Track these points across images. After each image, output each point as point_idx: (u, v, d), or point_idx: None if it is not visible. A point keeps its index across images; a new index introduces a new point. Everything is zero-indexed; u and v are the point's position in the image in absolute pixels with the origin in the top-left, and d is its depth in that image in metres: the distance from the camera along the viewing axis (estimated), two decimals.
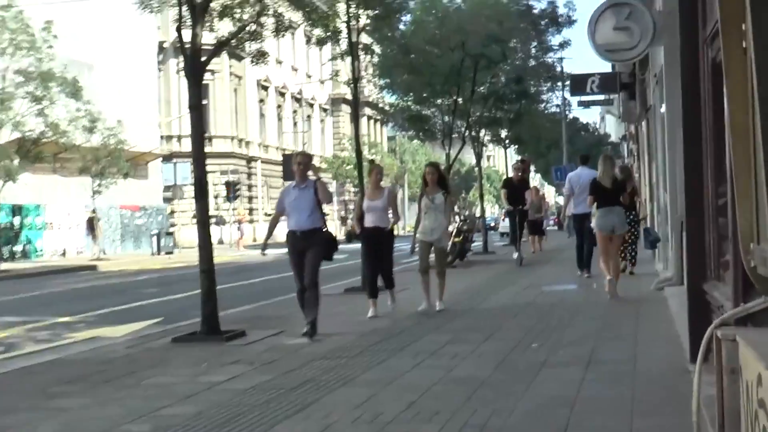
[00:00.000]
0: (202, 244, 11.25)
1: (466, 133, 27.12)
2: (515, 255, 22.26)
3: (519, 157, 49.44)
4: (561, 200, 47.07)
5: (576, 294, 14.92)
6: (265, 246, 11.45)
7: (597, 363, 8.07)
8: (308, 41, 18.74)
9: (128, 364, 9.24)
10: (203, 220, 11.27)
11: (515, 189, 22.09)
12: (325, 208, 11.19)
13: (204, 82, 59.71)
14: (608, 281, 13.90)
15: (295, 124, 72.77)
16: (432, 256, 13.11)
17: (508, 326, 11.02)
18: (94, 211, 41.35)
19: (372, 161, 13.29)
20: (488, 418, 6.10)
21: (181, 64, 11.65)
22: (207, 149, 48.47)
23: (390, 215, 12.98)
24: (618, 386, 6.98)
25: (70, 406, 7.13)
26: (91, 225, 41.19)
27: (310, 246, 10.63)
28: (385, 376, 7.90)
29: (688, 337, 7.50)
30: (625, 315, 11.62)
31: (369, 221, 12.53)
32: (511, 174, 25.12)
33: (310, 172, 11.01)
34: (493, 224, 69.43)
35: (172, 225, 51.83)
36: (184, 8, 11.14)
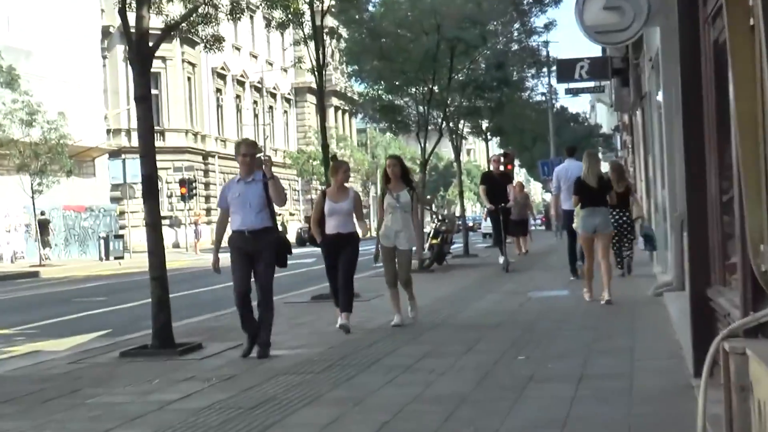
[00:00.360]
0: (153, 249, 11.13)
1: (443, 125, 27.09)
2: (501, 259, 21.85)
3: (501, 151, 49.85)
4: (548, 197, 47.35)
5: (566, 301, 14.90)
6: (216, 259, 10.65)
7: (589, 378, 8.00)
8: (268, 25, 18.51)
9: (71, 381, 9.11)
10: (153, 222, 11.14)
11: (496, 184, 21.63)
12: (279, 209, 11.02)
13: (154, 70, 59.44)
14: (587, 288, 14.67)
15: (255, 116, 72.66)
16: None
17: (491, 337, 10.95)
18: (43, 213, 41.07)
19: (335, 157, 13.05)
20: None
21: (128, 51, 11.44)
22: (159, 144, 48.26)
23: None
24: (613, 404, 6.92)
25: (5, 429, 6.99)
26: (43, 228, 40.86)
27: (261, 250, 10.16)
28: (354, 393, 7.81)
29: (690, 350, 7.44)
30: (621, 324, 11.58)
31: (331, 227, 11.99)
32: (491, 168, 24.77)
33: (262, 159, 10.46)
34: (471, 224, 69.63)
35: (122, 227, 51.57)
36: None
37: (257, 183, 10.28)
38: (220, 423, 6.89)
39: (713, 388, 4.78)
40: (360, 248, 12.22)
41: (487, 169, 27.56)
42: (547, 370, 8.55)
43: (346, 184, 12.31)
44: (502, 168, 22.60)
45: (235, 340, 11.48)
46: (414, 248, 12.69)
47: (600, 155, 71.46)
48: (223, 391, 8.19)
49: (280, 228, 11.09)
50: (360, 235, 12.34)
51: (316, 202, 12.52)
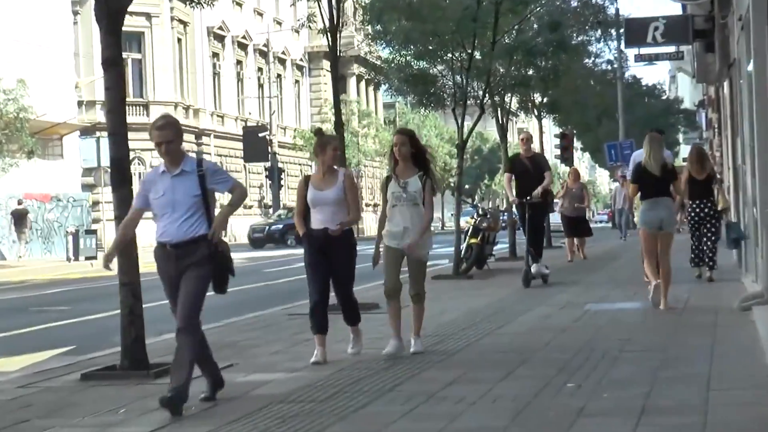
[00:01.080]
0: (123, 249, 11.08)
1: (486, 99, 26.96)
2: (534, 269, 19.80)
3: (560, 131, 49.78)
4: (615, 187, 47.15)
5: (632, 315, 14.82)
6: (108, 259, 9.68)
7: (654, 412, 7.93)
8: None
9: (18, 410, 9.10)
10: (123, 215, 11.09)
11: (525, 172, 20.21)
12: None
13: (136, 29, 60.04)
14: (654, 287, 15.02)
15: (260, 86, 72.90)
16: (405, 270, 11.67)
17: (536, 360, 10.91)
18: (20, 202, 41.32)
19: (320, 131, 11.96)
20: None
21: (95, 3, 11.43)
22: (141, 120, 49.00)
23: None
24: None
25: None
26: (20, 220, 41.09)
27: (188, 267, 9.00)
28: (364, 427, 7.79)
29: None
30: (697, 345, 11.49)
31: (316, 221, 11.25)
32: (520, 151, 21.49)
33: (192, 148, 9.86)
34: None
35: (96, 221, 51.79)
36: None
37: (190, 177, 9.04)
38: None
39: None
40: (357, 249, 11.55)
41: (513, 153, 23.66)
42: (602, 401, 8.48)
43: (336, 167, 11.48)
44: (529, 149, 20.68)
45: (221, 360, 11.44)
46: (427, 252, 11.99)
47: (680, 137, 71.57)
48: (204, 424, 8.18)
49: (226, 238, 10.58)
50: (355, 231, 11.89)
51: (298, 191, 11.60)
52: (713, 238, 19.19)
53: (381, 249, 11.72)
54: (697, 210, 18.88)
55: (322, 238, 11.21)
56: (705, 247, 19.23)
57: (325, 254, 11.25)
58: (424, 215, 11.58)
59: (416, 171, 11.54)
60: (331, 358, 11.39)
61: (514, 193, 20.42)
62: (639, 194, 15.32)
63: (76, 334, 16.13)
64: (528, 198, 19.59)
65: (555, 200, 28.36)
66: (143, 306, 11.17)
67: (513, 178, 20.65)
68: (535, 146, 24.91)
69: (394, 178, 11.57)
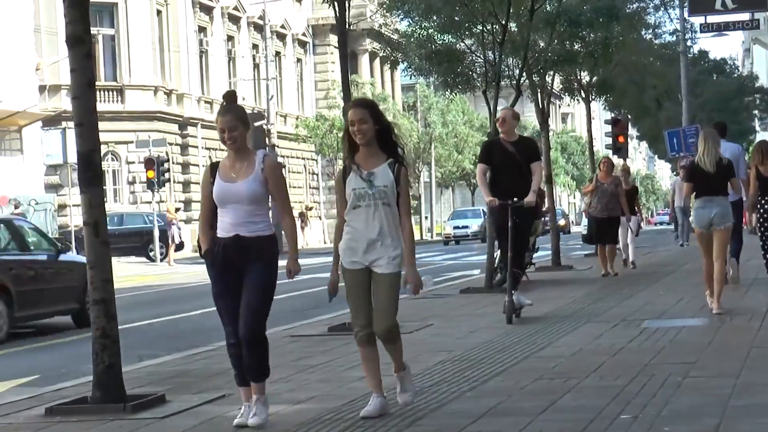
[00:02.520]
0: (94, 260, 11.14)
1: (523, 79, 26.96)
2: (512, 298, 16.82)
3: (612, 116, 49.71)
4: (674, 181, 47.11)
5: (698, 334, 14.81)
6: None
7: None
8: None
9: None
10: (94, 221, 11.15)
11: (507, 163, 16.97)
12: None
13: (108, 0, 59.88)
14: (708, 296, 17.01)
15: (256, 66, 73.00)
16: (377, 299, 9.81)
17: (584, 387, 10.92)
18: (17, 206, 41.52)
19: (229, 94, 10.25)
20: None
21: None
22: (116, 107, 49.39)
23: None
24: None
25: None
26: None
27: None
28: None
29: None
30: None
31: (224, 226, 9.73)
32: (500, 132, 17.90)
33: None
34: (563, 222, 69.41)
35: (63, 227, 51.89)
36: None
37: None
38: None
39: None
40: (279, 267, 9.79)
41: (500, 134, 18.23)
42: None
43: (256, 149, 10.08)
44: (505, 128, 17.18)
45: (211, 391, 11.50)
46: (402, 271, 9.87)
47: (756, 123, 71.33)
48: None
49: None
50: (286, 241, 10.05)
51: (202, 184, 10.15)
52: None
53: (340, 272, 9.93)
54: (767, 207, 19.07)
55: (232, 249, 9.66)
56: None
57: (239, 272, 9.68)
58: (403, 224, 9.86)
59: (384, 157, 9.79)
60: (337, 389, 11.42)
61: (486, 192, 16.92)
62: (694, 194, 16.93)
63: (40, 362, 16.17)
64: (512, 200, 16.47)
65: (583, 198, 29.04)
66: (119, 327, 11.21)
67: (488, 170, 17.18)
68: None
69: (355, 170, 9.74)
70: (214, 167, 9.88)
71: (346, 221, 9.87)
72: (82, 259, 14.76)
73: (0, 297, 19.59)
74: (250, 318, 9.63)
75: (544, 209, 31.41)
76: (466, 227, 72.84)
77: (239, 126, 9.61)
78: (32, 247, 22.06)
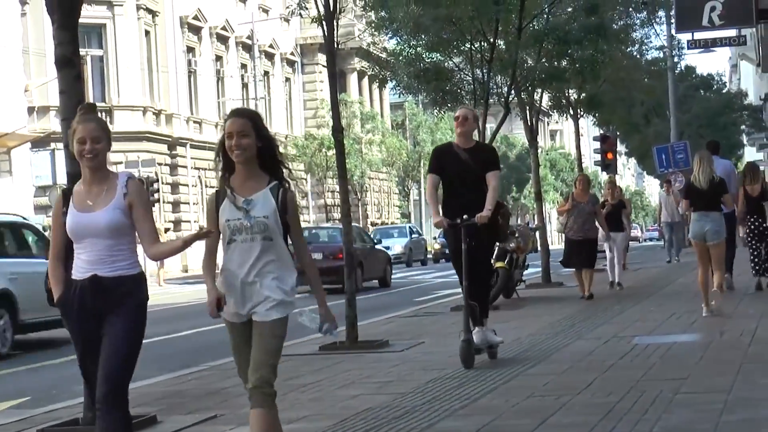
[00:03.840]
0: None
1: (512, 96, 27.01)
2: (478, 336, 14.16)
3: (600, 132, 49.77)
4: (661, 195, 47.20)
5: (689, 350, 14.79)
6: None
7: None
8: None
9: None
10: None
11: (460, 173, 14.23)
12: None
13: (97, 20, 60.21)
14: (703, 303, 18.40)
15: (244, 86, 73.05)
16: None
17: (576, 404, 10.89)
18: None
19: (87, 106, 8.19)
20: None
21: None
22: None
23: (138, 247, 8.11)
24: None
25: None
26: None
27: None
28: None
29: None
30: (767, 385, 11.45)
31: (81, 264, 7.86)
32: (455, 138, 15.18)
33: None
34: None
35: None
36: None
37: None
38: None
39: None
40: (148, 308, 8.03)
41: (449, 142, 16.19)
42: None
43: (113, 168, 8.34)
44: (463, 130, 14.43)
45: (204, 411, 11.50)
46: (284, 313, 7.85)
47: (744, 138, 71.45)
48: None
49: None
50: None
51: (53, 215, 8.18)
52: (759, 250, 22.62)
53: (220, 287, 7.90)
54: (756, 224, 22.38)
55: (89, 293, 7.77)
56: (765, 256, 22.64)
57: (99, 320, 7.79)
58: (300, 259, 8.11)
59: (266, 180, 7.89)
60: (330, 407, 11.40)
61: (440, 208, 14.19)
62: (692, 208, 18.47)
63: (31, 383, 16.14)
64: (463, 218, 13.76)
65: (558, 217, 26.69)
66: None
67: (440, 182, 14.39)
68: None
69: (229, 196, 7.85)
70: (66, 194, 7.95)
71: (224, 261, 7.90)
72: None
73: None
74: (111, 376, 7.62)
75: (533, 226, 31.18)
76: None
77: (103, 139, 7.77)
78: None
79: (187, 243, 7.69)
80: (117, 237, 7.70)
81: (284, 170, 7.98)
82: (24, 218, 27.96)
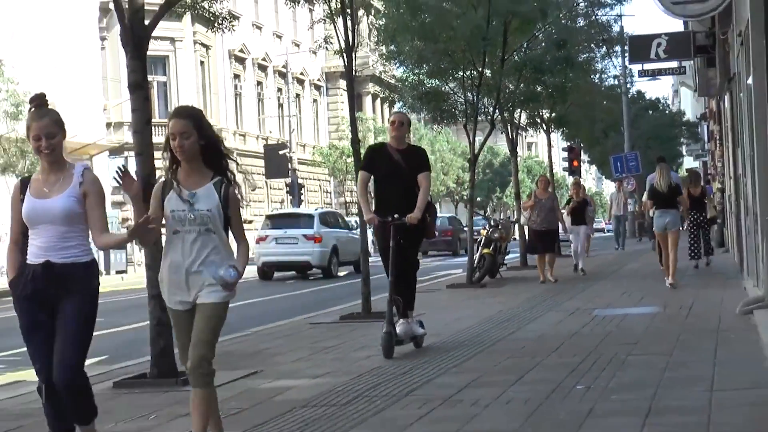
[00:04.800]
0: (151, 263, 11.13)
1: (496, 115, 26.99)
2: (402, 327, 12.29)
3: (567, 144, 49.64)
4: (611, 193, 47.21)
5: (639, 320, 14.76)
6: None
7: (660, 412, 7.91)
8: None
9: None
10: None
11: (392, 173, 12.41)
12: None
13: (161, 53, 60.12)
14: (666, 276, 20.00)
15: (280, 105, 72.90)
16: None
17: (547, 364, 10.87)
18: None
19: (37, 97, 6.84)
20: None
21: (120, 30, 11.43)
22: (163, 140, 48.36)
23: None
24: None
25: None
26: None
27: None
28: (382, 431, 7.78)
29: None
30: (701, 348, 11.44)
31: (34, 250, 6.98)
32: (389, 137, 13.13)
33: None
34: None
35: None
36: None
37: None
38: None
39: None
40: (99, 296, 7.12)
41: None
42: (610, 402, 8.47)
43: (70, 159, 7.30)
44: (397, 133, 12.59)
45: (247, 368, 11.50)
46: (227, 297, 6.95)
47: (683, 149, 71.17)
48: (230, 428, 8.16)
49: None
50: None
51: (11, 203, 7.11)
52: (707, 236, 26.00)
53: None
54: (696, 216, 25.06)
55: (42, 278, 6.88)
56: (702, 242, 25.48)
57: (51, 305, 6.91)
58: (239, 253, 7.04)
59: (209, 176, 6.98)
60: (348, 366, 11.38)
61: (372, 206, 12.58)
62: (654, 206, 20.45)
63: (108, 345, 16.15)
64: (394, 217, 12.04)
65: (524, 212, 25.78)
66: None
67: (372, 180, 12.62)
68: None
69: (175, 188, 6.92)
70: (24, 183, 7.09)
71: (165, 252, 6.98)
72: None
73: None
74: (66, 357, 6.75)
75: (513, 220, 31.02)
76: None
77: (58, 133, 6.90)
78: None
79: (133, 234, 6.83)
80: (70, 224, 6.81)
81: (229, 166, 7.06)
82: None
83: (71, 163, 7.00)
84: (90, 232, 6.95)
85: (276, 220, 35.97)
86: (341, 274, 33.87)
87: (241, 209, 7.08)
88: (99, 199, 6.92)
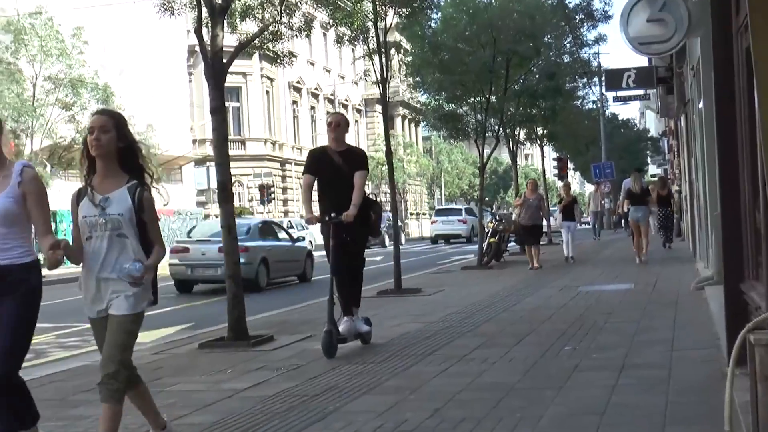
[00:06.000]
0: (228, 249, 11.18)
1: (501, 132, 26.93)
2: (345, 325, 10.11)
3: (556, 155, 49.46)
4: (590, 193, 47.08)
5: (614, 295, 14.68)
6: None
7: (631, 368, 7.87)
8: (338, 41, 18.48)
9: (153, 370, 9.11)
10: (228, 224, 11.19)
11: (334, 173, 10.23)
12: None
13: (235, 84, 60.04)
14: (637, 256, 21.66)
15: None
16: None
17: (541, 330, 10.83)
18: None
19: None
20: (515, 426, 5.93)
21: (204, 67, 11.44)
22: (240, 153, 49.15)
23: None
24: (652, 393, 6.78)
25: (88, 415, 7.04)
26: None
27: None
28: (410, 382, 7.75)
29: (725, 341, 7.27)
30: (663, 317, 11.37)
31: None
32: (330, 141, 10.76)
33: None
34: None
35: None
36: (204, 10, 11.09)
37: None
38: (284, 410, 6.87)
39: (745, 378, 4.67)
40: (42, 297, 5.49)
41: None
42: (591, 360, 8.42)
43: (11, 159, 5.63)
44: (336, 134, 10.45)
45: (303, 333, 11.51)
46: (137, 309, 5.48)
47: (648, 159, 70.56)
48: (290, 380, 8.19)
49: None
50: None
51: None
52: (672, 228, 27.97)
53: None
54: (663, 213, 26.81)
55: None
56: (668, 233, 27.36)
57: None
58: (152, 253, 5.51)
59: (124, 179, 5.55)
60: (383, 331, 11.32)
61: (313, 207, 10.38)
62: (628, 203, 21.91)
63: (195, 314, 16.24)
64: (330, 216, 9.98)
65: (514, 210, 24.65)
66: (243, 293, 11.25)
67: (315, 182, 10.37)
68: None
69: (89, 193, 5.51)
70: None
71: (84, 257, 5.48)
72: None
73: None
74: (2, 361, 5.21)
75: (514, 217, 30.84)
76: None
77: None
78: None
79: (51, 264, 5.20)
80: (9, 225, 5.30)
81: (147, 172, 5.61)
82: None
83: (11, 161, 5.50)
84: (35, 231, 5.46)
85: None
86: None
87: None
88: (39, 198, 5.40)
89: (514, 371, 8.00)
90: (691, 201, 23.41)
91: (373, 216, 10.28)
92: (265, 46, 12.83)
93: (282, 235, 24.56)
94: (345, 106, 76.22)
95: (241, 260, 12.28)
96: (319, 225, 10.17)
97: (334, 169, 10.17)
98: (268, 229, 23.77)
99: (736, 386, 4.57)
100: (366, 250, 10.42)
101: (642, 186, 22.20)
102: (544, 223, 25.05)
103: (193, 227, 28.74)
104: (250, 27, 13.66)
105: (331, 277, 9.95)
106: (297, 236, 26.18)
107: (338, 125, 10.34)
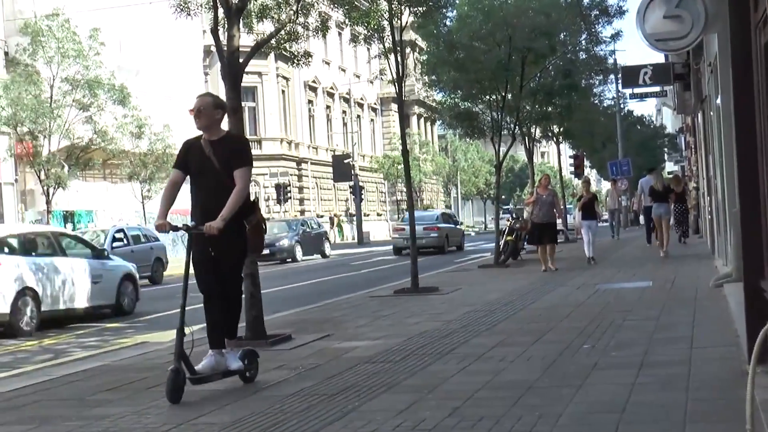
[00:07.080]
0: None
1: (516, 130, 26.88)
2: (211, 360, 8.07)
3: (573, 153, 49.36)
4: (607, 190, 46.97)
5: (632, 293, 14.63)
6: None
7: (650, 366, 7.83)
8: (354, 40, 18.44)
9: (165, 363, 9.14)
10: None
11: (205, 169, 7.96)
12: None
13: (251, 84, 60.30)
14: (660, 249, 22.91)
15: (344, 124, 72.91)
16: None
17: (559, 327, 10.80)
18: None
19: None
20: (533, 424, 5.91)
21: (221, 67, 11.45)
22: (256, 152, 49.07)
23: None
24: (671, 390, 6.74)
25: (108, 414, 7.06)
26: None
27: None
28: (428, 381, 7.73)
29: (745, 338, 7.23)
30: (682, 314, 11.33)
31: None
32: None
33: None
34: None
35: None
36: (220, 10, 11.11)
37: None
38: (304, 409, 6.87)
39: (766, 376, 4.64)
40: None
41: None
42: (610, 358, 8.38)
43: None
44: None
45: (321, 332, 11.52)
46: None
47: (665, 156, 70.42)
48: (309, 379, 8.19)
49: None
50: None
51: None
52: (687, 224, 29.46)
53: None
54: (680, 208, 27.73)
55: None
56: (684, 228, 28.91)
57: None
58: None
59: None
60: (401, 330, 11.32)
61: (164, 210, 8.02)
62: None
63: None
64: (186, 225, 7.92)
65: (526, 207, 23.44)
66: (261, 292, 11.26)
67: (184, 180, 8.16)
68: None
69: None
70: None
71: None
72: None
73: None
74: None
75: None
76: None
77: None
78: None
79: None
80: None
81: None
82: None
83: None
84: None
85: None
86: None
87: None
88: None
89: (533, 369, 7.97)
90: (708, 198, 23.31)
91: (248, 226, 7.86)
92: (282, 47, 12.83)
93: (77, 248, 17.55)
94: (360, 105, 76.38)
95: None
96: (187, 234, 7.83)
97: (202, 163, 7.86)
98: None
99: (757, 384, 4.54)
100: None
101: (664, 184, 24.56)
102: (559, 221, 24.70)
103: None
104: (266, 27, 13.66)
105: (182, 303, 7.78)
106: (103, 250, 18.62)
107: (199, 112, 8.09)
